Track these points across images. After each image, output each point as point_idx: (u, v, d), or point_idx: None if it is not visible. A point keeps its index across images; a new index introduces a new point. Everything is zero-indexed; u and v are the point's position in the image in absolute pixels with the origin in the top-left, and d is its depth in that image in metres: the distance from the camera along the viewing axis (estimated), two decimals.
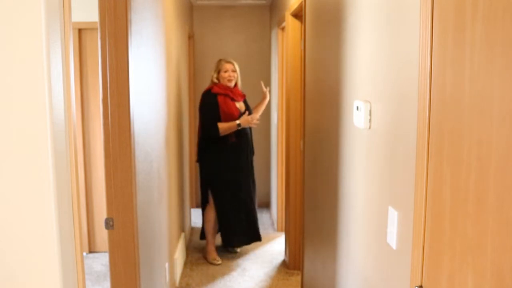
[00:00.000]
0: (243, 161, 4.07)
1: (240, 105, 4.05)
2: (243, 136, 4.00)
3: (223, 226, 4.16)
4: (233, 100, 3.97)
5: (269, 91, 4.23)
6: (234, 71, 4.00)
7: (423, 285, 1.15)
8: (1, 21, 1.14)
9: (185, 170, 4.58)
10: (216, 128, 3.87)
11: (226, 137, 3.93)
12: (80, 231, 1.37)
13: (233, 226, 4.14)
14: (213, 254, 4.16)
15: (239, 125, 3.88)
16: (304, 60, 2.99)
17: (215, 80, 4.01)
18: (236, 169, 4.04)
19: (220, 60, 4.06)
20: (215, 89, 3.95)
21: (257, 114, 4.11)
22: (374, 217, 1.61)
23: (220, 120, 3.90)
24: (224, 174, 4.03)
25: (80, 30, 4.04)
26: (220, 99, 3.92)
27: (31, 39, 1.15)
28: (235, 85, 4.05)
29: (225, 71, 3.97)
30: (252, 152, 4.19)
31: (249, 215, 4.17)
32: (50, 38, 1.18)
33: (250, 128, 4.10)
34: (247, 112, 4.00)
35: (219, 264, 4.09)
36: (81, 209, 2.41)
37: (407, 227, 1.28)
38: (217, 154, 4.01)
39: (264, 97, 4.26)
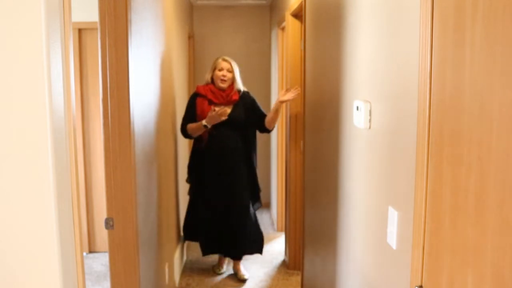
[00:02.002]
0: (219, 168, 3.66)
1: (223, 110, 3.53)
2: (218, 142, 3.61)
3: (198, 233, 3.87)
4: (212, 103, 3.57)
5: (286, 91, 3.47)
6: (231, 71, 3.61)
7: (423, 285, 1.15)
8: (1, 21, 1.14)
9: (185, 170, 4.58)
10: (184, 128, 3.64)
11: (199, 141, 3.68)
12: (80, 231, 1.37)
13: (204, 233, 3.83)
14: (218, 261, 4.05)
15: (205, 126, 3.46)
16: (304, 60, 2.99)
17: (208, 79, 3.65)
18: (209, 175, 3.69)
19: (217, 58, 3.69)
20: (199, 89, 3.65)
21: (224, 108, 3.53)
22: (374, 217, 1.61)
23: (195, 121, 3.59)
24: (194, 177, 3.83)
25: (80, 30, 4.04)
26: (198, 100, 3.62)
27: (31, 39, 1.15)
28: (230, 86, 3.63)
29: (220, 70, 3.59)
30: (242, 161, 3.70)
31: (219, 227, 3.75)
32: (50, 38, 1.18)
33: (247, 137, 3.70)
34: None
35: (220, 274, 3.93)
36: (81, 209, 2.40)
37: (407, 227, 1.28)
38: (193, 157, 3.80)
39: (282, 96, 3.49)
